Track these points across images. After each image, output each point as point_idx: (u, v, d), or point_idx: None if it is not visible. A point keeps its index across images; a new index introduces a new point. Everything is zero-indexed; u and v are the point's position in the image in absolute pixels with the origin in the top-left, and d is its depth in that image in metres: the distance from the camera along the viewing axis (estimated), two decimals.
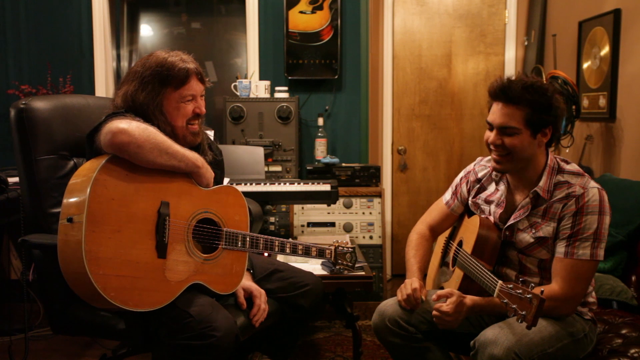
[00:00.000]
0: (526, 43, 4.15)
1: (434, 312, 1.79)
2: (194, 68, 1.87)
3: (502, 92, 1.76)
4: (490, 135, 1.82)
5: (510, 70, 4.21)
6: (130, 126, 1.68)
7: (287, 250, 2.07)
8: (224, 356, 1.71)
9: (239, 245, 1.93)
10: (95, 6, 3.93)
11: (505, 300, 1.61)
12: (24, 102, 1.92)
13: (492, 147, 1.83)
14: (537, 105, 1.74)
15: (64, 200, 1.67)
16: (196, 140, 1.93)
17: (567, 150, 3.36)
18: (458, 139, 4.32)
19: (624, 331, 2.05)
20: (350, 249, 2.30)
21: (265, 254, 2.49)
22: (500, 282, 1.66)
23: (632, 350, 1.88)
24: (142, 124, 1.72)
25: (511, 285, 1.62)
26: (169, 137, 1.79)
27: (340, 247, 2.27)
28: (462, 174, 2.15)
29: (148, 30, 4.52)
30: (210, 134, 3.18)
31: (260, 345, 2.27)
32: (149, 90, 1.82)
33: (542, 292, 1.55)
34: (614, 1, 3.16)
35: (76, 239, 1.58)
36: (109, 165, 1.67)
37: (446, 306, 1.77)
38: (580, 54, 3.49)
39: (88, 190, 1.60)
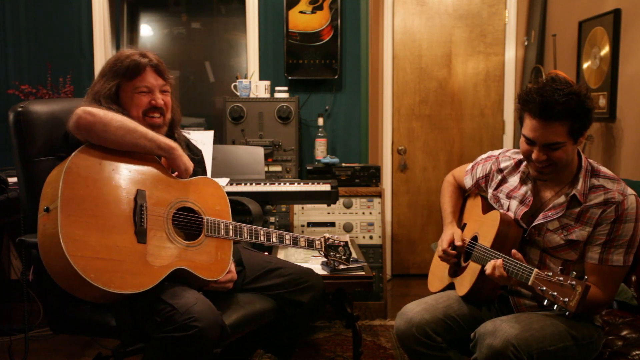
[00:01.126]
0: (526, 43, 4.15)
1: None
2: (148, 61, 1.95)
3: (543, 110, 1.70)
4: (531, 151, 1.78)
5: (510, 70, 4.21)
6: (94, 108, 1.75)
7: (274, 240, 2.05)
8: (209, 347, 1.72)
9: (222, 233, 1.94)
10: (95, 6, 3.93)
11: (542, 288, 1.57)
12: (21, 106, 1.96)
13: (535, 161, 1.79)
14: (578, 116, 1.71)
15: (42, 193, 1.71)
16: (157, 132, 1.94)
17: None
18: (458, 139, 4.32)
19: (624, 332, 2.05)
20: (342, 242, 2.25)
21: (265, 253, 2.49)
22: (536, 269, 1.62)
23: (634, 352, 1.87)
24: (106, 109, 1.79)
25: (550, 273, 1.58)
26: None
27: (330, 239, 2.21)
28: (484, 155, 2.13)
29: (148, 30, 4.52)
30: (210, 134, 3.18)
31: (262, 344, 2.27)
32: (104, 81, 1.92)
33: (585, 278, 1.52)
34: (614, 1, 3.15)
35: (53, 226, 1.60)
36: (81, 154, 1.71)
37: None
38: (580, 54, 3.49)
39: (61, 177, 1.63)
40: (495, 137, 4.30)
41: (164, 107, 1.95)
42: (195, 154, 2.13)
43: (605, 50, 3.20)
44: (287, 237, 2.09)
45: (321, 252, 2.21)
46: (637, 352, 1.87)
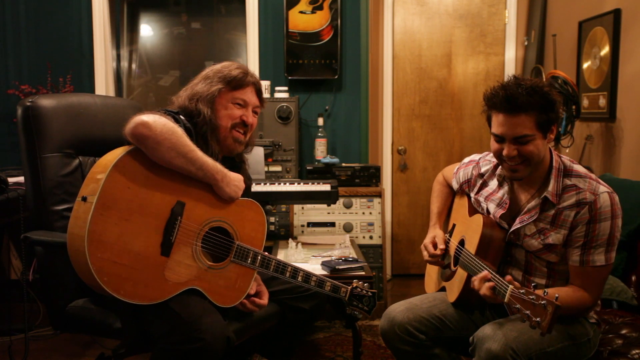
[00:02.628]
0: (526, 43, 4.16)
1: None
2: (254, 81, 1.99)
3: (508, 102, 1.70)
4: (502, 148, 1.76)
5: (510, 70, 4.21)
6: (155, 122, 1.69)
7: (299, 278, 1.98)
8: (214, 359, 1.69)
9: (249, 261, 1.90)
10: (95, 6, 3.93)
11: (517, 306, 1.55)
12: (30, 100, 1.93)
13: (506, 158, 1.77)
14: (543, 106, 1.71)
15: (86, 177, 1.70)
16: (236, 148, 1.97)
17: (567, 150, 3.36)
18: (458, 139, 4.32)
19: (624, 331, 2.05)
20: (369, 293, 2.08)
21: (265, 253, 2.48)
22: (511, 286, 1.60)
23: (634, 352, 1.88)
24: (169, 123, 1.72)
25: (523, 291, 1.56)
26: (210, 136, 1.88)
27: (357, 288, 2.08)
28: (467, 159, 2.13)
29: (148, 30, 4.52)
30: None
31: (259, 347, 2.26)
32: (207, 83, 1.94)
33: (556, 297, 1.49)
34: (614, 1, 3.16)
35: (84, 218, 1.60)
36: (134, 154, 1.68)
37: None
38: (580, 54, 3.49)
39: (107, 173, 1.62)
40: None
41: (250, 126, 1.98)
42: (246, 180, 2.05)
43: (605, 50, 3.20)
44: (314, 278, 2.01)
45: (345, 300, 2.09)
46: (637, 351, 1.87)
